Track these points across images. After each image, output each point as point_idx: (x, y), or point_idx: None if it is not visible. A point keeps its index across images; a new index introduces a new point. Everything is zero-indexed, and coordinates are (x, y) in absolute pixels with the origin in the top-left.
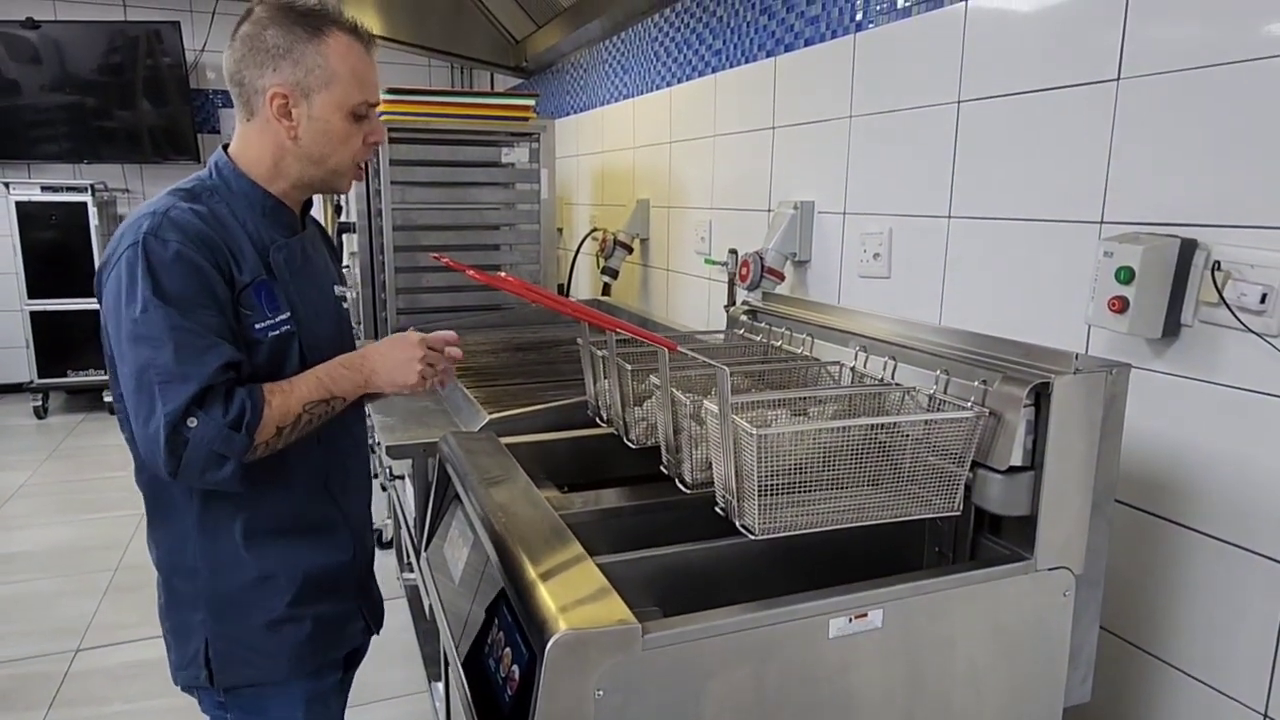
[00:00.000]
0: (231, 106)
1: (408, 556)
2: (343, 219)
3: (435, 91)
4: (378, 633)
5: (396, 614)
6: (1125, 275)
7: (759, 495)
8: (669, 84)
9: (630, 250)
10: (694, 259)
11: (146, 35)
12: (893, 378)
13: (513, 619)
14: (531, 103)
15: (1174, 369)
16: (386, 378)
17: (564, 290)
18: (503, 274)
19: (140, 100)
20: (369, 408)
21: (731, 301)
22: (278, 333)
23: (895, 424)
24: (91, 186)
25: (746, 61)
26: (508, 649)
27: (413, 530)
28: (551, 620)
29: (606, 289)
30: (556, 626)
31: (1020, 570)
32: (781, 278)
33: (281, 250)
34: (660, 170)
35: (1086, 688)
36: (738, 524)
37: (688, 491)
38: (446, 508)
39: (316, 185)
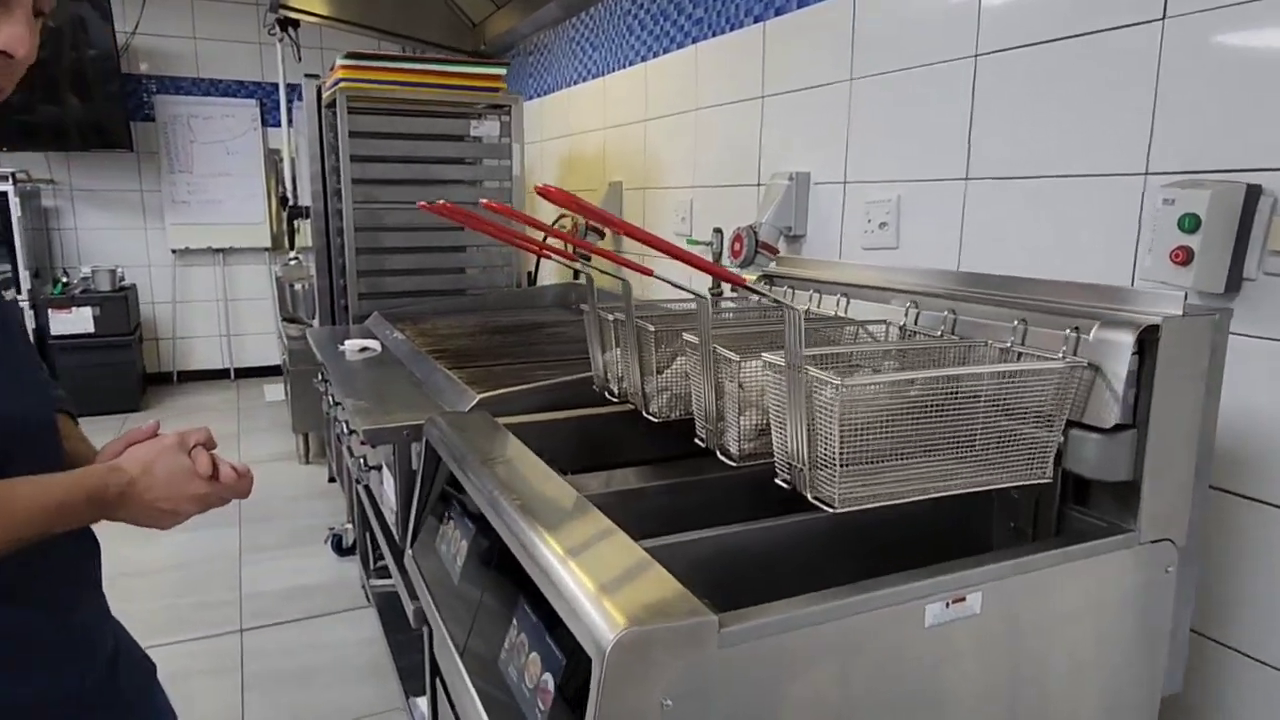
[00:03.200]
0: (167, 92)
1: (377, 561)
2: (292, 204)
3: (399, 58)
4: None
5: (363, 626)
6: (1190, 223)
7: (840, 462)
8: (644, 58)
9: (602, 235)
10: (673, 241)
11: (72, 21)
12: (953, 332)
13: (539, 617)
14: (502, 72)
15: (1237, 327)
16: (132, 515)
17: (532, 280)
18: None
19: (66, 92)
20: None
21: (717, 284)
22: None
23: (995, 375)
24: (13, 175)
25: (731, 28)
26: (533, 654)
27: (393, 528)
28: (606, 617)
29: (577, 276)
30: (615, 623)
31: (1122, 544)
32: (776, 253)
33: None
34: (634, 150)
35: (1178, 677)
36: (809, 496)
37: (734, 464)
38: (436, 497)
39: None
